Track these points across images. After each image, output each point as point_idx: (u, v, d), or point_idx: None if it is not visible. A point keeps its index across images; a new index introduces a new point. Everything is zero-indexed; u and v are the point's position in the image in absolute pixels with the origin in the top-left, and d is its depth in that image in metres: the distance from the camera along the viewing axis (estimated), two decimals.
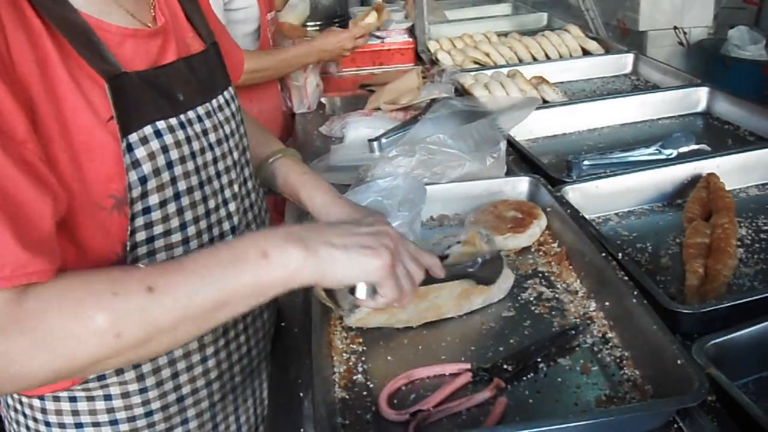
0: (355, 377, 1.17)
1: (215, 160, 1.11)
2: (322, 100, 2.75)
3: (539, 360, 1.16)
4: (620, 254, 1.35)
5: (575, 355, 1.18)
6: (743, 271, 1.39)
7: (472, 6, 4.18)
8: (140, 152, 0.96)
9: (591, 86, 2.68)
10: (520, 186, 1.67)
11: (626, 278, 1.23)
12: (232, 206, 1.15)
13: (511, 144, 1.95)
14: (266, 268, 0.88)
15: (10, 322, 0.78)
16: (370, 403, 1.11)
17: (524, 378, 1.13)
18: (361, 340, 1.25)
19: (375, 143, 2.01)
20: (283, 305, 1.36)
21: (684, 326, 1.17)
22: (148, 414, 1.10)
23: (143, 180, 0.97)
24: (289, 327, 1.30)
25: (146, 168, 0.97)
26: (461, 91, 2.48)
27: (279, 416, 1.11)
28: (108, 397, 1.07)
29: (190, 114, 1.07)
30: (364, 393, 1.14)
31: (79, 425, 1.09)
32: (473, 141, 1.68)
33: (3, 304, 0.78)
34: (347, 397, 1.13)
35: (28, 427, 1.12)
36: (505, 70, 2.58)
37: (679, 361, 1.02)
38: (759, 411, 0.96)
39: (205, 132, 1.09)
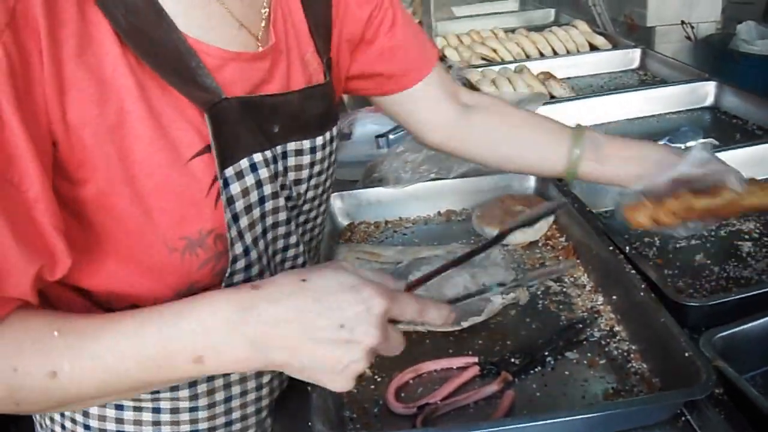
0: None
1: (289, 198, 0.99)
2: None
3: (547, 353, 1.16)
4: (627, 248, 1.35)
5: (583, 349, 1.18)
6: (751, 265, 1.39)
7: (479, 2, 4.17)
8: (234, 188, 0.86)
9: (598, 81, 2.67)
10: (528, 180, 1.67)
11: (634, 272, 1.23)
12: (301, 247, 1.04)
13: None
14: (198, 370, 0.76)
15: None
16: (378, 397, 1.11)
17: (532, 371, 1.13)
18: None
19: (382, 139, 2.01)
20: None
21: (691, 319, 1.17)
22: None
23: (235, 218, 0.87)
24: None
25: (239, 206, 0.87)
26: (468, 87, 2.48)
27: (286, 409, 1.12)
28: (156, 410, 1.01)
29: (278, 149, 0.95)
30: (372, 386, 1.14)
31: None
32: None
33: None
34: (354, 390, 1.13)
35: (63, 427, 1.06)
36: (512, 66, 2.58)
37: (686, 354, 1.02)
38: (767, 403, 0.96)
39: (286, 170, 0.97)
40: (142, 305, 0.78)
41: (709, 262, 1.41)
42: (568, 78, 2.63)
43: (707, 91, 2.30)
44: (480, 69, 2.62)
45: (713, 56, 4.03)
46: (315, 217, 1.09)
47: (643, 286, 1.19)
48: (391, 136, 2.01)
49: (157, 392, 0.99)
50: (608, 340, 1.19)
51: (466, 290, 1.31)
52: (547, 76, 2.45)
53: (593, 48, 2.91)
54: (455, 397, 1.08)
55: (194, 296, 0.77)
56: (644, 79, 2.67)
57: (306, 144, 0.98)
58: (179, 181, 0.82)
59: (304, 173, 1.00)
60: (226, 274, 0.88)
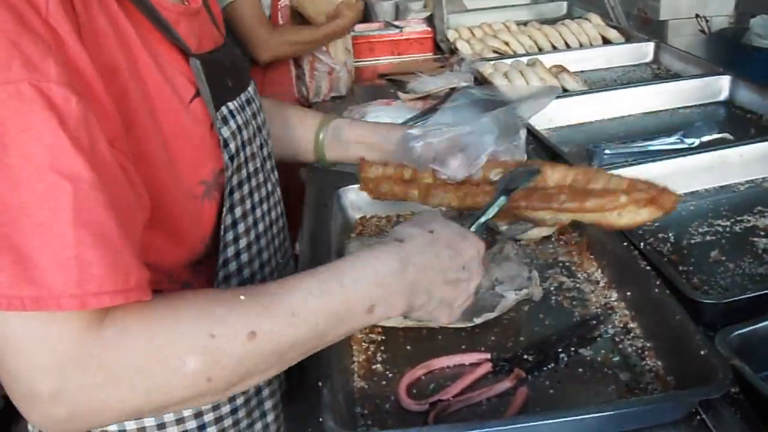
0: (374, 366, 1.16)
1: (261, 146, 1.09)
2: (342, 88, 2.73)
3: (560, 350, 1.14)
4: (642, 244, 1.33)
5: (596, 346, 1.16)
6: (767, 262, 1.37)
7: None
8: (225, 131, 0.95)
9: (611, 75, 2.65)
10: None
11: (648, 268, 1.22)
12: (278, 192, 1.14)
13: (531, 133, 1.93)
14: (366, 321, 0.88)
15: (88, 353, 0.70)
16: (389, 393, 1.10)
17: (545, 368, 1.12)
18: (380, 330, 1.24)
19: None
20: None
21: (706, 317, 1.16)
22: None
23: (232, 159, 0.95)
24: None
25: (233, 147, 0.96)
26: (480, 80, 2.47)
27: (297, 405, 1.11)
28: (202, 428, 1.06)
29: (238, 100, 1.03)
30: (383, 382, 1.13)
31: None
32: (498, 130, 1.65)
33: (79, 331, 0.70)
34: (366, 386, 1.12)
35: None
36: (524, 59, 2.56)
37: (702, 352, 1.01)
38: None
39: (253, 116, 1.07)
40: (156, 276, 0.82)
41: (724, 258, 1.40)
42: (581, 71, 2.61)
43: (721, 86, 2.27)
44: (492, 62, 2.60)
45: (726, 50, 4.01)
46: (273, 168, 1.17)
47: (657, 282, 1.17)
48: None
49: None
50: (622, 337, 1.18)
51: (478, 285, 1.29)
52: (560, 69, 2.43)
53: (606, 41, 2.88)
54: (468, 394, 1.07)
55: (356, 254, 0.91)
56: (657, 72, 2.64)
57: (246, 95, 1.07)
58: (188, 122, 0.89)
59: (259, 119, 1.10)
60: (222, 216, 0.96)
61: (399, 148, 1.29)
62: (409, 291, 0.89)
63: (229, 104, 0.98)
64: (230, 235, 0.99)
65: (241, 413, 1.16)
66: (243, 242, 1.02)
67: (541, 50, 2.85)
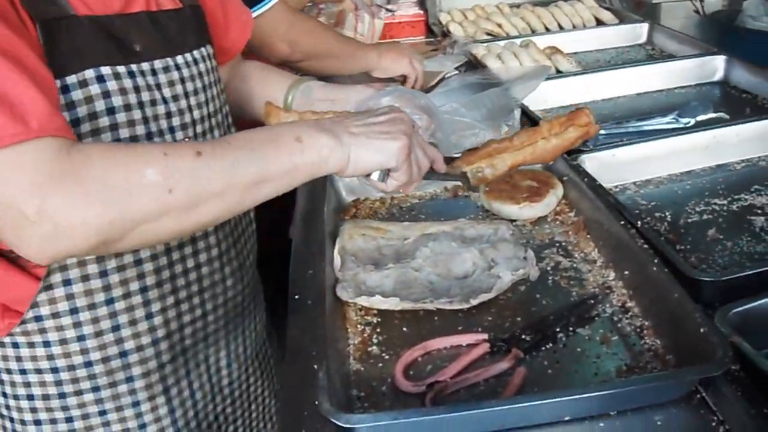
0: (369, 349, 1.15)
1: (169, 114, 1.09)
2: None
3: (558, 330, 1.13)
4: (639, 223, 1.32)
5: (595, 325, 1.16)
6: (765, 240, 1.37)
7: None
8: (77, 95, 0.97)
9: (605, 56, 2.63)
10: None
11: (646, 246, 1.21)
12: None
13: (526, 114, 1.91)
14: (300, 152, 0.96)
15: (64, 170, 0.81)
16: (386, 375, 1.09)
17: (543, 348, 1.11)
18: (375, 312, 1.23)
19: None
20: (296, 277, 1.34)
21: (705, 295, 1.14)
22: (88, 364, 1.08)
23: (76, 122, 0.96)
24: (303, 299, 1.28)
25: (81, 111, 0.97)
26: (474, 62, 2.45)
27: (293, 388, 1.09)
28: (47, 344, 1.06)
29: (144, 65, 1.06)
30: (380, 365, 1.12)
31: (23, 371, 1.08)
32: (486, 109, 1.64)
33: (55, 152, 0.81)
34: (362, 368, 1.11)
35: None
36: (518, 41, 2.54)
37: (701, 330, 1.00)
38: None
39: (158, 85, 1.07)
40: None
41: (721, 237, 1.39)
42: (575, 53, 2.58)
43: (716, 66, 2.26)
44: (485, 44, 2.58)
45: (719, 32, 3.99)
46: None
47: (655, 261, 1.16)
48: None
49: (41, 318, 1.05)
50: (620, 316, 1.17)
51: (475, 266, 1.28)
52: (554, 50, 2.41)
53: (600, 23, 2.86)
54: (465, 375, 1.06)
55: None
56: (652, 53, 2.63)
57: (171, 61, 1.10)
58: (47, 75, 0.91)
59: (179, 88, 1.10)
60: None
61: (358, 106, 1.40)
62: (331, 130, 0.99)
63: (104, 68, 1.00)
64: None
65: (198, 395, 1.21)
66: None
67: (534, 32, 2.82)
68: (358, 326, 1.20)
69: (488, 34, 2.84)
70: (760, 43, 3.76)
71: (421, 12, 3.09)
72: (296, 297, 1.30)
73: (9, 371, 1.09)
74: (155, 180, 0.84)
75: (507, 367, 1.07)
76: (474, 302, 1.21)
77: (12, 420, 1.12)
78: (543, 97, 2.08)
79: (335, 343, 1.11)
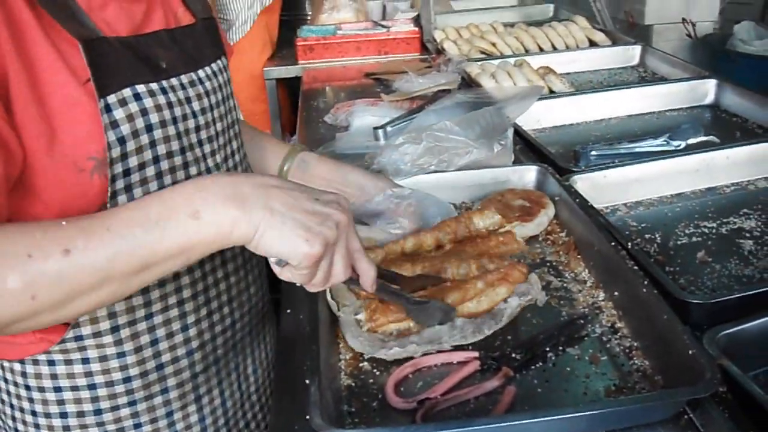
0: (361, 364, 1.15)
1: (198, 128, 1.11)
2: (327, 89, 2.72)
3: (548, 349, 1.14)
4: (629, 244, 1.33)
5: (584, 345, 1.16)
6: (753, 263, 1.38)
7: None
8: (119, 113, 0.97)
9: (598, 77, 2.67)
10: (528, 175, 1.65)
11: (636, 268, 1.22)
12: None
13: (518, 133, 1.93)
14: (195, 229, 0.84)
15: None
16: (377, 391, 1.09)
17: (533, 367, 1.12)
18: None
19: (380, 131, 1.99)
20: (288, 291, 1.35)
21: (694, 317, 1.15)
22: (126, 380, 1.10)
23: (122, 140, 0.97)
24: (295, 313, 1.28)
25: (125, 129, 0.98)
26: (467, 81, 2.47)
27: (284, 402, 1.10)
28: (86, 360, 1.07)
29: (173, 81, 1.07)
30: (371, 380, 1.12)
31: (58, 389, 1.09)
32: (480, 128, 1.66)
33: None
34: (353, 384, 1.11)
35: (8, 392, 1.13)
36: (511, 60, 2.56)
37: (690, 352, 1.01)
38: None
39: (188, 99, 1.09)
40: None
41: (710, 260, 1.40)
42: (568, 73, 2.62)
43: (707, 89, 2.29)
44: (479, 62, 2.60)
45: (711, 56, 4.03)
46: (232, 153, 1.21)
47: (645, 282, 1.17)
48: (389, 128, 1.99)
49: (81, 338, 1.05)
50: (610, 336, 1.18)
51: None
52: (547, 70, 2.43)
53: (593, 44, 2.89)
54: (456, 392, 1.06)
55: None
56: (644, 76, 2.66)
57: (194, 75, 1.11)
58: (80, 99, 0.94)
59: (205, 102, 1.12)
60: (108, 193, 0.97)
61: (376, 205, 1.42)
62: (242, 199, 0.85)
63: (139, 86, 1.01)
64: None
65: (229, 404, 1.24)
66: None
67: (527, 52, 2.85)
68: None
69: (482, 52, 2.87)
70: (750, 67, 3.82)
71: (416, 29, 3.13)
72: (288, 311, 1.31)
73: (42, 389, 1.09)
74: (16, 287, 0.79)
75: (497, 385, 1.07)
76: (488, 332, 1.19)
77: None
78: (535, 117, 2.11)
79: (327, 357, 1.11)
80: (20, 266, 0.79)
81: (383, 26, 3.15)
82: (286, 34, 3.44)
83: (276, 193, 0.87)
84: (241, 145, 1.26)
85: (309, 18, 3.77)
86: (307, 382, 1.00)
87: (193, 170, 1.10)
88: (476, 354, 1.13)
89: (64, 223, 0.83)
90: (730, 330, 1.08)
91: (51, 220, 0.85)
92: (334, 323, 1.24)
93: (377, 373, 1.13)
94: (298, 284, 0.94)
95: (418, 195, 1.47)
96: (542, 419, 0.94)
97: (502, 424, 0.95)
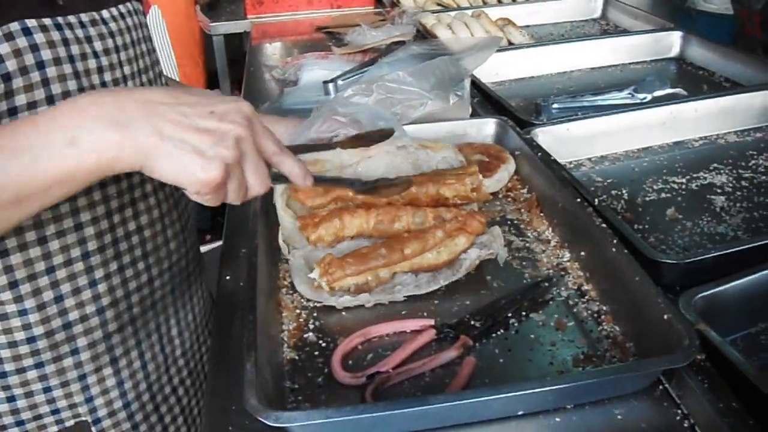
0: (305, 335, 1.05)
1: (100, 69, 1.01)
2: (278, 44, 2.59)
3: (510, 315, 1.05)
4: (596, 200, 1.24)
5: (549, 310, 1.07)
6: (725, 220, 1.30)
7: None
8: (4, 48, 0.89)
9: (559, 30, 2.57)
10: (487, 128, 1.54)
11: (604, 226, 1.12)
12: None
13: (476, 86, 1.83)
14: (75, 157, 0.75)
15: None
16: (323, 365, 0.99)
17: (494, 335, 1.02)
18: None
19: (330, 85, 1.87)
20: (227, 254, 1.24)
21: (666, 278, 1.07)
22: (31, 340, 1.02)
23: (6, 77, 0.90)
24: (234, 279, 1.18)
25: (10, 65, 0.90)
26: (423, 33, 2.35)
27: (220, 379, 0.99)
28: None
29: (71, 18, 0.98)
30: (316, 353, 1.02)
31: None
32: (435, 79, 1.54)
33: None
34: (296, 357, 1.01)
35: None
36: (469, 12, 2.45)
37: (665, 316, 0.92)
38: (754, 370, 0.87)
39: (88, 39, 1.00)
40: None
41: (681, 217, 1.32)
42: (528, 26, 2.51)
43: (672, 42, 2.21)
44: (435, 14, 2.48)
45: (671, 12, 3.97)
46: None
47: (614, 241, 1.08)
48: (340, 82, 1.88)
49: None
50: (576, 300, 1.09)
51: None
52: (506, 21, 2.33)
53: None
54: (409, 365, 0.96)
55: None
56: (606, 29, 2.57)
57: (97, 15, 1.02)
58: None
59: (109, 42, 1.03)
60: None
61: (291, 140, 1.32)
62: (125, 122, 0.75)
63: (29, 21, 0.92)
64: None
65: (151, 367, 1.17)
66: None
67: (485, 3, 2.73)
68: (295, 310, 1.10)
69: (438, 4, 2.75)
70: (709, 24, 3.76)
71: None
72: (227, 277, 1.20)
73: None
74: None
75: (455, 356, 0.97)
76: (443, 283, 1.12)
77: None
78: (494, 69, 2.01)
79: (266, 329, 1.00)
80: None
81: None
82: None
83: (164, 111, 0.76)
84: None
85: None
86: (245, 357, 0.89)
87: None
88: (431, 322, 1.03)
89: None
90: (708, 292, 1.00)
91: None
92: (275, 291, 1.13)
93: (323, 344, 1.03)
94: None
95: (359, 107, 1.37)
96: (505, 395, 0.85)
97: (462, 402, 0.85)
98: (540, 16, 2.62)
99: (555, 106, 1.72)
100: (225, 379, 0.98)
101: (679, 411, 0.89)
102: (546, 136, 1.52)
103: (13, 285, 0.98)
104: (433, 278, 1.13)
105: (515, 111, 1.64)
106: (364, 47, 2.28)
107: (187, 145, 0.75)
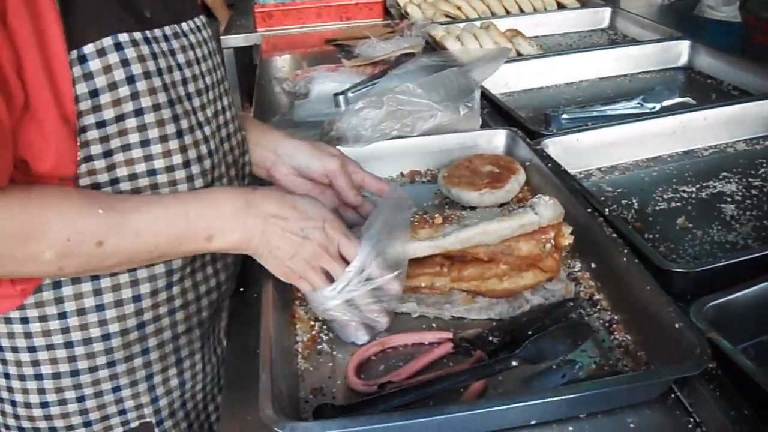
0: (319, 346, 1.06)
1: (184, 81, 1.04)
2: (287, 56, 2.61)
3: (530, 333, 1.02)
4: (606, 210, 1.25)
5: None
6: (735, 229, 1.30)
7: None
8: (95, 64, 0.92)
9: (567, 41, 2.58)
10: (497, 139, 1.55)
11: (615, 235, 1.13)
12: (207, 130, 1.08)
13: (486, 97, 1.84)
14: (206, 246, 1.00)
15: None
16: (337, 376, 1.01)
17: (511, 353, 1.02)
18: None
19: (341, 97, 1.89)
20: (244, 269, 1.25)
21: (677, 287, 1.07)
22: (106, 337, 1.04)
23: (94, 93, 0.93)
24: (249, 292, 1.19)
25: (99, 81, 0.93)
26: (432, 44, 2.37)
27: (235, 391, 1.00)
28: (62, 315, 1.02)
29: (157, 32, 1.01)
30: (330, 364, 1.03)
31: (32, 348, 1.03)
32: (444, 90, 1.56)
33: None
34: (311, 368, 1.02)
35: None
36: (478, 23, 2.46)
37: (676, 325, 0.93)
38: (766, 378, 0.87)
39: (172, 51, 1.03)
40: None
41: (691, 226, 1.33)
42: (536, 37, 2.52)
43: (680, 51, 2.21)
44: (444, 25, 2.49)
45: (679, 21, 3.97)
46: (222, 109, 1.14)
47: (625, 251, 1.09)
48: (350, 94, 1.90)
49: (59, 286, 1.01)
50: (588, 309, 1.10)
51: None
52: (515, 33, 2.34)
53: (561, 6, 2.80)
54: (422, 377, 0.97)
55: (207, 188, 1.05)
56: (614, 38, 2.58)
57: (178, 27, 1.06)
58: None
59: (191, 54, 1.07)
60: (79, 143, 0.93)
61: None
62: (246, 230, 1.00)
63: (122, 35, 0.95)
64: (101, 164, 0.96)
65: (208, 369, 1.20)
66: (123, 171, 0.98)
67: (493, 15, 2.75)
68: (310, 322, 1.11)
69: (447, 16, 2.77)
70: (718, 32, 3.76)
71: None
72: (241, 290, 1.22)
73: (15, 350, 1.03)
74: (49, 260, 0.90)
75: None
76: (493, 317, 1.11)
77: (14, 404, 1.07)
78: (503, 80, 2.02)
79: (281, 340, 1.01)
80: (57, 246, 0.90)
81: None
82: (244, 1, 3.31)
83: (273, 225, 1.01)
84: (231, 102, 1.19)
85: None
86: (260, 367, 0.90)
87: (183, 123, 1.03)
88: (450, 335, 1.04)
89: (101, 212, 0.92)
90: (719, 301, 1.01)
91: (89, 201, 0.93)
92: (289, 303, 1.14)
93: (337, 355, 1.04)
94: None
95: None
96: (519, 404, 0.86)
97: (476, 411, 0.86)
98: (548, 27, 2.64)
99: (564, 116, 1.73)
100: (241, 391, 0.99)
101: (692, 419, 0.89)
102: (556, 146, 1.53)
103: (94, 277, 1.00)
104: (488, 308, 1.12)
105: (525, 122, 1.65)
106: (374, 59, 2.30)
107: (278, 253, 1.02)
